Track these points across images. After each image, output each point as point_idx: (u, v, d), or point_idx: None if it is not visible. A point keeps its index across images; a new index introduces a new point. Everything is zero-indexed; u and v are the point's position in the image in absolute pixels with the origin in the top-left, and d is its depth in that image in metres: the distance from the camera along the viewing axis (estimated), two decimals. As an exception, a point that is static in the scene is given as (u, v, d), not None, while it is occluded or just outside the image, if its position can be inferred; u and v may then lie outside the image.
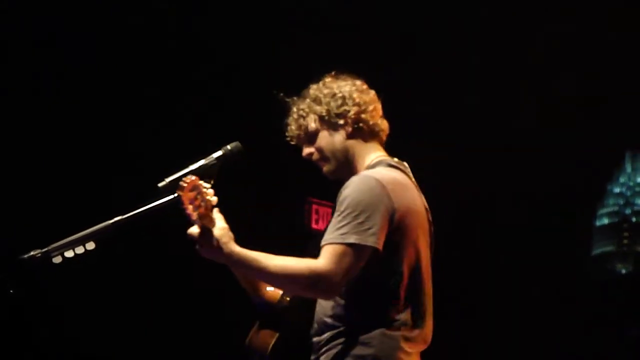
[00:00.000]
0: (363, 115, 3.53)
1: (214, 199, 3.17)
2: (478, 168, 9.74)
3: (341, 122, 3.52)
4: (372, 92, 3.61)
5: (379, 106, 3.60)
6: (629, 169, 38.37)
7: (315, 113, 3.54)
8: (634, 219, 37.39)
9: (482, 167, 9.79)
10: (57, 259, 3.23)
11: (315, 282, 3.21)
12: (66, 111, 7.12)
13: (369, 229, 3.26)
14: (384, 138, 3.60)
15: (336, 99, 3.53)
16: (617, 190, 38.13)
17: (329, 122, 3.53)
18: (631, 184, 38.31)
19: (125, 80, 7.29)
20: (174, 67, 7.57)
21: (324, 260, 3.24)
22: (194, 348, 7.66)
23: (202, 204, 3.14)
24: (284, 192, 8.19)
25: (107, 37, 7.24)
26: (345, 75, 3.62)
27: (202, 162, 3.37)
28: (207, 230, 3.16)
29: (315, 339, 3.43)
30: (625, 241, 36.00)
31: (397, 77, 7.93)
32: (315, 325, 3.44)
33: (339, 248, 3.25)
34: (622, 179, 38.20)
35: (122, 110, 7.28)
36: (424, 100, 8.71)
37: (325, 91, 3.56)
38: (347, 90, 3.55)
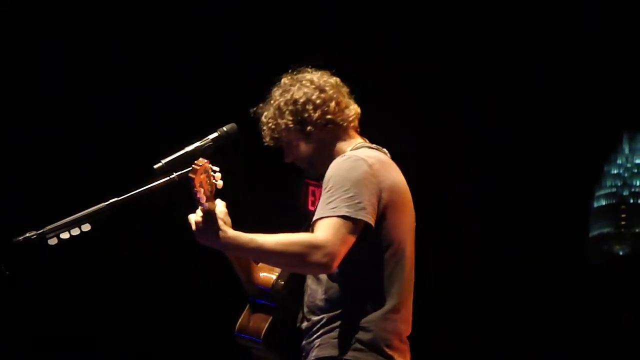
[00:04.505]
0: (328, 116, 3.46)
1: (220, 183, 3.17)
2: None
3: (309, 128, 3.46)
4: (333, 81, 3.52)
5: (343, 92, 3.51)
6: (626, 150, 38.40)
7: (282, 125, 3.48)
8: (631, 200, 37.44)
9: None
10: (53, 241, 3.22)
11: (313, 253, 3.15)
12: (69, 95, 7.14)
13: (358, 203, 3.24)
14: (356, 122, 3.54)
15: (297, 106, 3.46)
16: (614, 171, 38.17)
17: (297, 131, 3.48)
18: (629, 165, 38.34)
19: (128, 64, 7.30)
20: (177, 51, 7.57)
21: (319, 231, 3.21)
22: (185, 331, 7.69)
23: (209, 187, 3.12)
24: (280, 174, 8.17)
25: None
26: (303, 69, 3.54)
27: (197, 143, 3.35)
28: (209, 214, 3.12)
29: (307, 323, 3.40)
30: (623, 222, 36.10)
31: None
32: (307, 309, 3.41)
33: (332, 220, 3.21)
34: (619, 160, 38.24)
35: (119, 93, 7.28)
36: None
37: (287, 97, 3.48)
38: (305, 93, 3.47)
